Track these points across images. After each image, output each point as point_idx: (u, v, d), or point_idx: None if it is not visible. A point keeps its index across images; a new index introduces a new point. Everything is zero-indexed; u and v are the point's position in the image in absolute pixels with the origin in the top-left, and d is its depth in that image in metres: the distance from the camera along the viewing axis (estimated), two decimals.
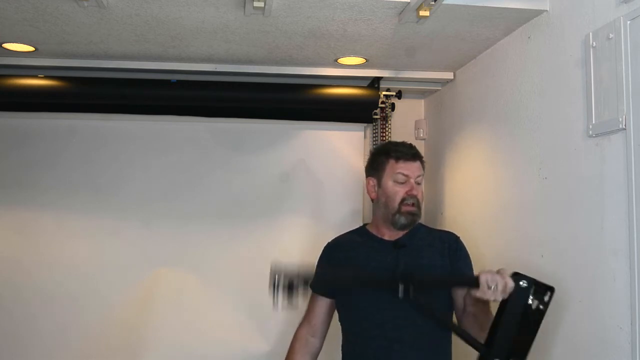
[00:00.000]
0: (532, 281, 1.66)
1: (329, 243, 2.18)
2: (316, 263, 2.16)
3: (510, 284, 1.65)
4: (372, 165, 2.12)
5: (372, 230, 2.10)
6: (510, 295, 1.65)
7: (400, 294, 1.68)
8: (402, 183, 2.01)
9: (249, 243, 3.08)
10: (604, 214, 1.76)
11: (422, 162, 2.08)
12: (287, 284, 1.65)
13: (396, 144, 2.12)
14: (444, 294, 1.96)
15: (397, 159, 2.03)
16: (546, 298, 1.66)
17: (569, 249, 1.95)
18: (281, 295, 1.65)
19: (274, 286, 1.65)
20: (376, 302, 1.93)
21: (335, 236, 2.20)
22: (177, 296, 3.01)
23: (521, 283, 1.65)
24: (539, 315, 1.65)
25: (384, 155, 2.07)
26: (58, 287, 2.94)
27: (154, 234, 3.02)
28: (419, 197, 2.03)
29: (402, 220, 2.00)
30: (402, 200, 2.00)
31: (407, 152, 2.04)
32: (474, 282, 1.69)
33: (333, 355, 2.14)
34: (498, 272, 1.69)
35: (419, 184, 2.04)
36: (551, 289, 1.67)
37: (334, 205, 3.14)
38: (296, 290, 1.66)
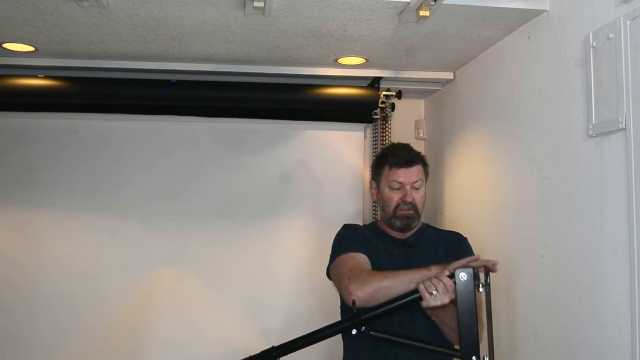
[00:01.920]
0: (469, 271, 1.64)
1: (349, 224, 2.17)
2: (341, 237, 2.08)
3: (449, 282, 1.63)
4: (374, 169, 2.14)
5: (382, 227, 2.13)
6: (457, 291, 1.63)
7: (354, 333, 1.66)
8: (397, 189, 2.02)
9: (248, 243, 3.08)
10: (604, 214, 1.76)
11: (423, 165, 2.07)
12: None
13: (395, 148, 2.11)
14: (421, 315, 1.89)
15: (391, 165, 2.03)
16: (488, 279, 1.66)
17: (569, 249, 1.95)
18: None
19: None
20: None
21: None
22: (176, 296, 3.01)
23: (461, 277, 1.62)
24: (487, 297, 1.65)
25: (382, 160, 2.09)
26: (58, 287, 2.94)
27: (154, 234, 3.02)
28: (417, 201, 2.02)
29: (398, 223, 2.03)
30: (397, 206, 2.02)
31: (403, 159, 2.03)
32: (416, 293, 1.66)
33: (334, 353, 2.14)
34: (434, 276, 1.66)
35: (416, 189, 2.03)
36: (485, 271, 1.67)
37: (334, 205, 3.14)
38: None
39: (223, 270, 3.06)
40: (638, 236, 1.60)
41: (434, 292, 1.63)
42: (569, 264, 1.95)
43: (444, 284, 1.63)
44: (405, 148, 2.09)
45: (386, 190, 2.05)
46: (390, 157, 2.06)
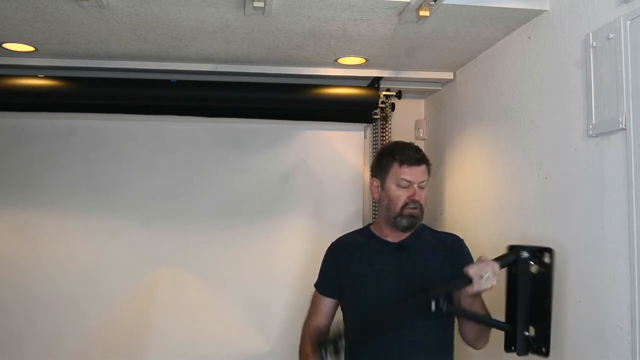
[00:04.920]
0: (530, 249, 1.76)
1: (333, 243, 2.18)
2: (321, 263, 2.18)
3: (496, 266, 1.75)
4: (377, 166, 2.10)
5: (376, 231, 2.09)
6: (516, 269, 1.75)
7: (433, 309, 1.75)
8: (405, 187, 1.99)
9: (248, 243, 3.08)
10: (604, 214, 1.76)
11: (428, 166, 2.06)
12: (332, 349, 1.78)
13: (403, 145, 2.08)
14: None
15: (402, 163, 2.00)
16: (547, 260, 1.78)
17: (569, 249, 1.95)
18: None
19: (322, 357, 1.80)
20: (379, 302, 1.93)
21: (338, 236, 2.20)
22: (176, 296, 3.01)
23: (522, 255, 1.75)
24: (546, 278, 1.76)
25: (389, 157, 2.04)
26: (58, 287, 2.94)
27: (154, 234, 3.02)
28: (422, 201, 2.01)
29: (404, 222, 2.00)
30: (405, 205, 1.98)
31: (413, 157, 2.01)
32: (467, 280, 1.75)
33: None
34: (479, 261, 1.78)
35: (422, 188, 2.02)
36: (549, 250, 1.77)
37: (334, 205, 3.14)
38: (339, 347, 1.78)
39: (223, 270, 3.06)
40: (638, 236, 1.60)
41: (484, 276, 1.73)
42: (569, 264, 1.95)
43: (492, 267, 1.75)
44: (412, 147, 2.07)
45: (393, 187, 2.01)
46: (399, 155, 2.02)
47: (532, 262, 1.77)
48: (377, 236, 2.07)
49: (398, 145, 2.10)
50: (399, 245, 2.02)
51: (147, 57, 2.75)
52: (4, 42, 2.55)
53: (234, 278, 3.05)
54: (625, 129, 1.66)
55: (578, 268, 1.89)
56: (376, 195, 2.09)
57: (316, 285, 2.17)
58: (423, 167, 2.03)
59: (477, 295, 1.81)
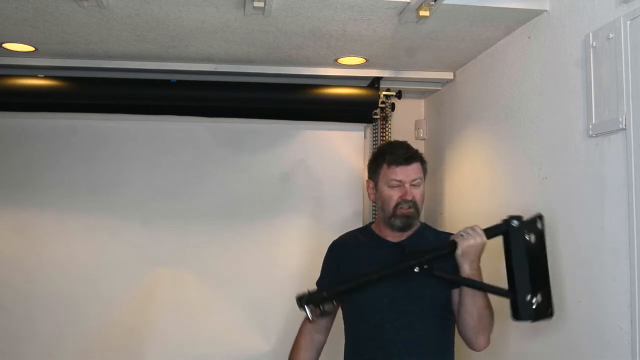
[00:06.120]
0: (520, 218, 1.81)
1: (334, 242, 2.18)
2: (322, 262, 2.17)
3: (476, 225, 1.85)
4: (371, 168, 2.09)
5: (376, 230, 2.09)
6: (510, 238, 1.81)
7: (416, 270, 1.82)
8: (396, 187, 1.97)
9: (248, 243, 3.08)
10: (604, 214, 1.76)
11: (421, 163, 2.03)
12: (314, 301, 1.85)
13: (393, 145, 2.07)
14: (444, 296, 1.96)
15: (390, 163, 1.98)
16: (539, 226, 1.82)
17: (569, 249, 1.95)
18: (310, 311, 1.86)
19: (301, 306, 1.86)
20: (375, 303, 1.93)
21: (338, 236, 2.20)
22: (177, 296, 3.01)
23: (513, 224, 1.80)
24: (540, 243, 1.81)
25: (380, 159, 2.03)
26: (58, 287, 2.95)
27: (154, 234, 3.03)
28: (417, 199, 1.98)
29: (398, 222, 1.98)
30: (397, 205, 1.96)
31: (401, 156, 1.98)
32: (452, 244, 1.83)
33: (337, 350, 2.14)
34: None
35: (416, 186, 1.98)
36: (539, 216, 1.82)
37: (334, 205, 3.14)
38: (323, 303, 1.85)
39: (223, 270, 3.06)
40: (638, 236, 1.60)
41: (466, 234, 1.82)
42: (569, 264, 1.95)
43: (473, 226, 1.85)
44: (403, 145, 2.04)
45: (385, 188, 1.99)
46: (388, 155, 2.01)
47: (525, 231, 1.81)
48: (377, 235, 2.06)
49: (389, 146, 2.11)
50: (399, 245, 2.01)
51: (147, 57, 2.75)
52: (4, 42, 2.55)
53: (234, 278, 3.05)
54: (625, 129, 1.66)
55: (578, 268, 1.90)
56: (372, 197, 2.09)
57: (317, 283, 2.17)
58: (414, 165, 1.99)
59: (468, 262, 1.83)
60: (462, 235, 1.84)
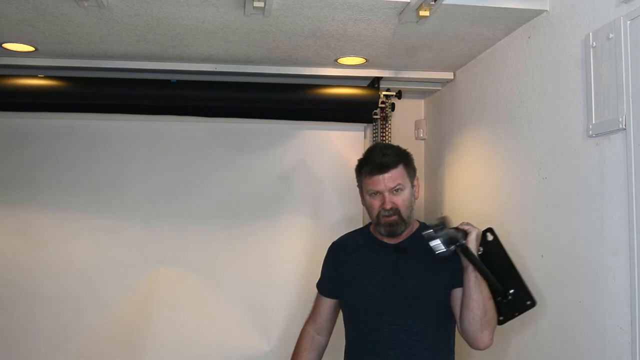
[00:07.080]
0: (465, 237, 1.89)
1: (333, 243, 2.18)
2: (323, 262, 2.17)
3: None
4: (356, 175, 2.04)
5: (374, 232, 2.08)
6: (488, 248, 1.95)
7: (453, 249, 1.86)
8: (376, 196, 1.94)
9: (248, 243, 3.08)
10: (604, 214, 1.76)
11: (405, 165, 1.96)
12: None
13: (369, 153, 2.00)
14: (443, 298, 1.95)
15: (366, 174, 1.94)
16: (489, 238, 1.97)
17: (569, 249, 1.95)
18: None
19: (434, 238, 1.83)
20: (373, 306, 1.93)
21: (338, 236, 2.20)
22: (176, 296, 3.01)
23: (488, 236, 1.97)
24: (495, 249, 1.96)
25: (359, 167, 2.00)
26: (58, 287, 2.95)
27: (154, 234, 3.02)
28: (399, 205, 1.92)
29: (382, 231, 1.96)
30: (379, 214, 1.94)
31: (376, 166, 1.92)
32: (464, 232, 1.89)
33: (337, 351, 2.14)
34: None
35: (397, 192, 1.92)
36: (489, 229, 1.98)
37: (334, 205, 3.14)
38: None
39: (223, 270, 3.06)
40: (638, 236, 1.60)
41: (465, 225, 1.91)
42: (569, 264, 1.95)
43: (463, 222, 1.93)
44: (381, 152, 1.95)
45: (367, 197, 1.96)
46: (364, 164, 1.96)
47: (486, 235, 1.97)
48: (375, 237, 2.06)
49: (367, 153, 2.03)
50: (396, 247, 2.00)
51: (147, 57, 2.75)
52: (4, 42, 2.55)
53: (234, 278, 3.05)
54: (625, 129, 1.66)
55: (578, 268, 1.89)
56: (362, 203, 2.06)
57: (317, 285, 2.17)
58: (392, 172, 1.91)
59: (475, 248, 1.89)
60: (464, 225, 1.92)
